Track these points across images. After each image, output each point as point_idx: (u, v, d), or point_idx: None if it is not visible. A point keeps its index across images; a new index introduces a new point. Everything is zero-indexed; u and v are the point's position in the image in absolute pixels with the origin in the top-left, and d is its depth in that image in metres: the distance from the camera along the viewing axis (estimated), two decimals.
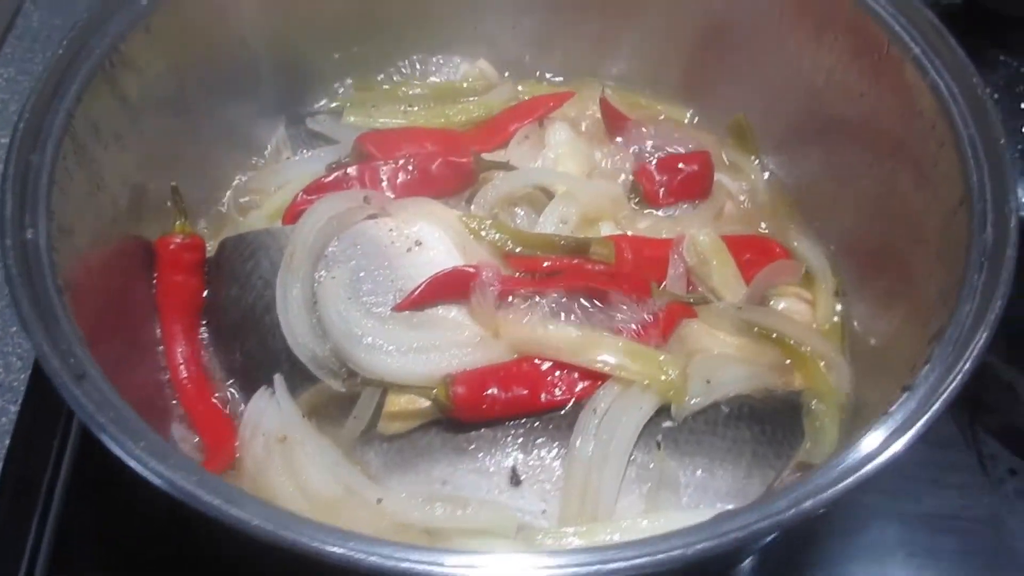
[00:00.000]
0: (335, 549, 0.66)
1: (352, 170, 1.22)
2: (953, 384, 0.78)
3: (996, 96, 1.61)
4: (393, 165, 1.22)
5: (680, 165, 1.31)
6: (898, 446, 0.73)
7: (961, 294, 0.86)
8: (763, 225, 1.34)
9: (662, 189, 1.30)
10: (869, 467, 0.72)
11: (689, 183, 1.31)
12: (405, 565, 0.66)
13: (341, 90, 1.45)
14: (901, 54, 1.06)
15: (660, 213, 1.30)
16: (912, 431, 0.74)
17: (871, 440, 0.75)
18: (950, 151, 0.98)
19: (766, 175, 1.39)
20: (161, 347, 1.14)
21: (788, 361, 1.15)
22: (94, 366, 0.80)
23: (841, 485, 0.71)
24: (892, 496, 1.27)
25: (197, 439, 1.09)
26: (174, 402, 1.12)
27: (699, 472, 1.01)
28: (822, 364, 1.15)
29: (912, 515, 1.26)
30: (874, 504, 1.26)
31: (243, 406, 1.11)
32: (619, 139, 1.37)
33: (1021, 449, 1.31)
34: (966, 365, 0.79)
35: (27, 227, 0.86)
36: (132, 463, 0.70)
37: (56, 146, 0.94)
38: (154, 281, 1.16)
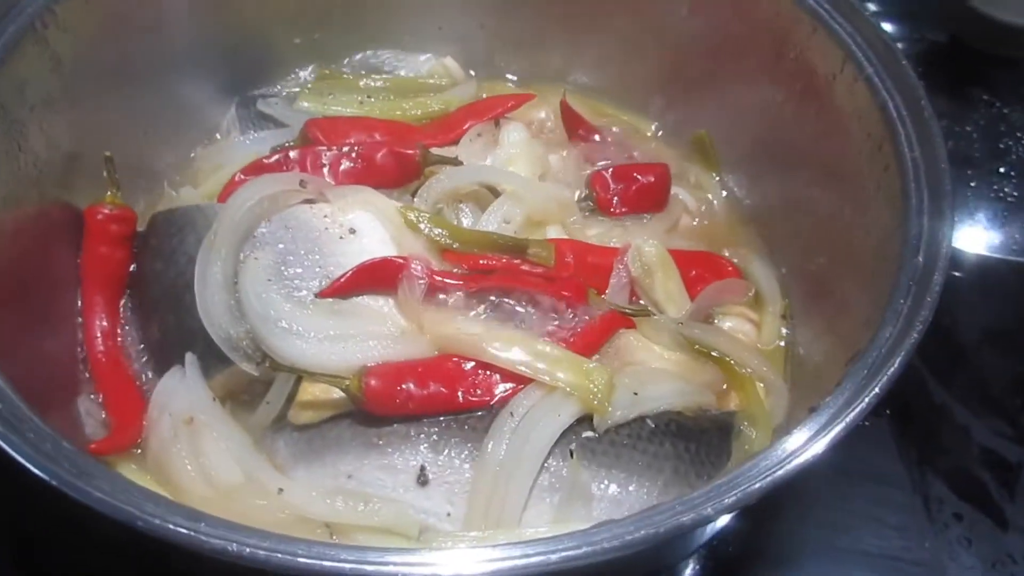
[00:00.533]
0: (180, 530, 0.62)
1: (294, 153, 1.19)
2: (858, 408, 0.74)
3: (975, 135, 1.59)
4: (336, 152, 1.19)
5: (636, 175, 1.28)
6: (786, 472, 0.69)
7: (885, 317, 0.82)
8: (717, 243, 1.30)
9: (616, 198, 1.27)
10: (752, 488, 0.68)
11: (644, 194, 1.28)
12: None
13: (300, 76, 1.42)
14: (855, 73, 1.03)
15: (612, 222, 1.26)
16: (804, 456, 0.70)
17: (766, 458, 0.70)
18: (893, 175, 0.95)
19: (724, 193, 1.36)
20: (80, 319, 1.10)
21: (725, 384, 1.11)
22: None
23: (725, 502, 0.66)
24: (832, 530, 1.22)
25: (104, 415, 1.06)
26: (87, 375, 1.08)
27: (613, 486, 0.96)
28: (761, 387, 1.11)
29: (850, 552, 1.21)
30: (812, 537, 1.22)
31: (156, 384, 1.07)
32: (577, 145, 1.34)
33: (968, 493, 1.26)
34: (875, 389, 0.75)
35: None
36: (16, 456, 0.66)
37: None
38: (79, 252, 1.13)
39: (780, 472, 0.70)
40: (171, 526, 0.62)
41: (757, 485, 0.69)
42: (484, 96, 1.42)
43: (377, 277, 1.06)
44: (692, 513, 0.66)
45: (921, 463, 1.29)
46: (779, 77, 1.18)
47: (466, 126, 1.30)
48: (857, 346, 0.85)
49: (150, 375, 1.09)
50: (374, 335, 1.01)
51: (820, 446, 0.72)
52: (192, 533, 0.62)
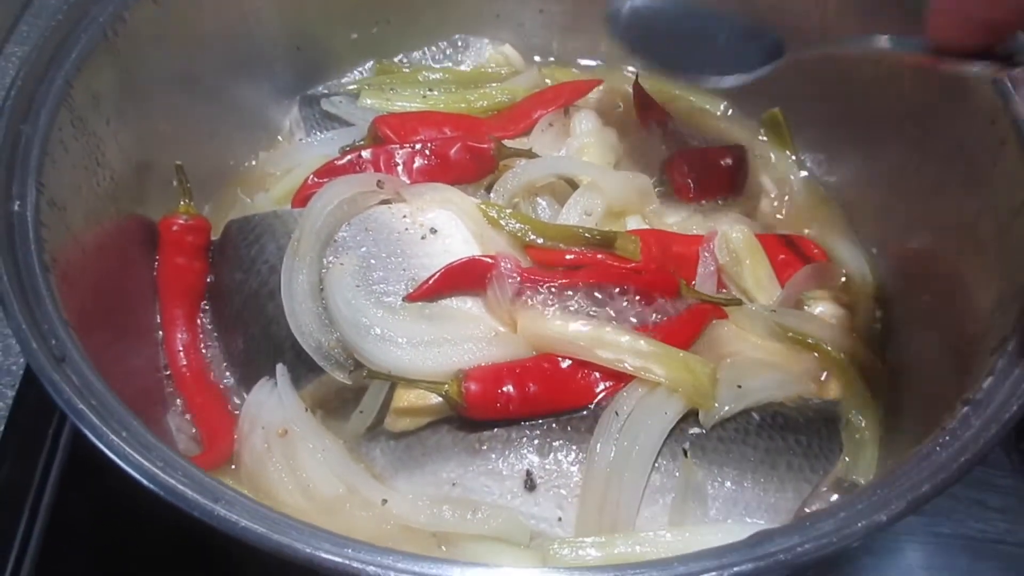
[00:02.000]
0: (331, 557, 0.60)
1: (366, 153, 1.16)
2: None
3: None
4: (410, 149, 1.16)
5: (713, 158, 1.24)
6: (964, 465, 0.65)
7: None
8: (798, 225, 1.26)
9: (693, 183, 1.23)
10: (928, 488, 0.64)
11: (722, 178, 1.24)
12: None
13: (359, 72, 1.40)
14: None
15: (691, 207, 1.22)
16: (978, 448, 0.66)
17: (932, 458, 0.67)
18: (1012, 148, 0.90)
19: (803, 173, 1.31)
20: (160, 332, 1.08)
21: (824, 371, 1.07)
22: (79, 349, 0.74)
23: (903, 506, 0.63)
24: (930, 516, 1.19)
25: (195, 430, 1.04)
26: (171, 390, 1.06)
27: (728, 483, 0.93)
28: (860, 374, 1.07)
29: (951, 537, 1.17)
30: (914, 524, 1.18)
31: (243, 397, 1.05)
32: (650, 129, 1.30)
33: None
34: None
35: (14, 199, 0.81)
36: (109, 453, 0.64)
37: (51, 117, 0.89)
38: (155, 263, 1.10)
39: (965, 465, 0.66)
40: (322, 554, 0.60)
41: (941, 480, 0.65)
42: (548, 83, 1.38)
43: (465, 278, 1.03)
44: (863, 522, 0.62)
45: (1020, 443, 1.25)
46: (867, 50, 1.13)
47: (535, 115, 1.27)
48: (987, 334, 0.82)
49: (236, 387, 1.07)
50: (468, 338, 0.98)
51: (992, 438, 0.68)
52: (343, 560, 0.60)
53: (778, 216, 1.27)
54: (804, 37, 1.09)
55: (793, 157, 1.33)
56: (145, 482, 0.63)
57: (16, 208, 0.80)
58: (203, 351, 1.09)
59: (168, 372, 1.07)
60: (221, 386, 1.08)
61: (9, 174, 0.82)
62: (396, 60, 1.42)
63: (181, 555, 1.07)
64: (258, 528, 0.62)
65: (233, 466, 1.00)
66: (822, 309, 1.15)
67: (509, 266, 1.01)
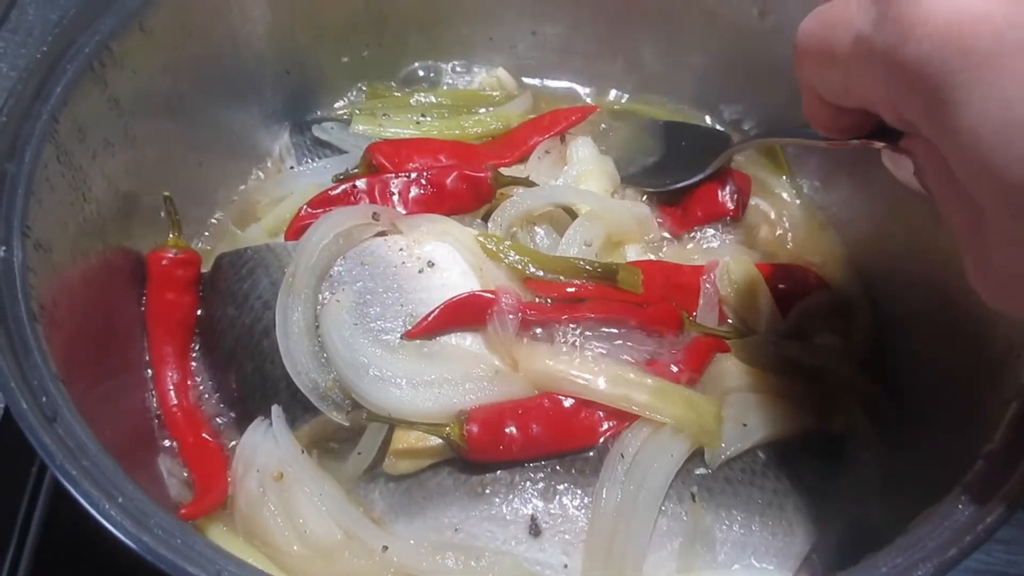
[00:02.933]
0: None
1: (361, 183, 1.13)
2: None
3: None
4: (405, 179, 1.13)
5: (713, 187, 1.23)
6: (991, 525, 0.64)
7: None
8: (798, 253, 1.25)
9: (692, 212, 1.22)
10: (956, 551, 0.63)
11: (722, 206, 1.22)
12: None
13: (350, 97, 1.36)
14: None
15: (690, 237, 1.21)
16: (1003, 510, 0.65)
17: (954, 517, 0.65)
18: None
19: (800, 201, 1.30)
20: (149, 371, 1.05)
21: (827, 404, 1.06)
22: (68, 404, 0.71)
23: (931, 570, 0.62)
24: None
25: (187, 474, 1.00)
26: (161, 431, 1.03)
27: (736, 527, 0.92)
28: (863, 407, 1.06)
29: (956, 569, 1.16)
30: None
31: (237, 437, 1.02)
32: None
33: None
34: None
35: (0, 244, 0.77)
36: (107, 523, 0.61)
37: (35, 154, 0.85)
38: (143, 298, 1.07)
39: (975, 534, 0.65)
40: None
41: (972, 538, 0.64)
42: (542, 107, 1.36)
43: (465, 314, 1.00)
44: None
45: None
46: None
47: (531, 142, 1.24)
48: (999, 376, 0.80)
49: (228, 427, 1.04)
50: (469, 377, 0.96)
51: (1011, 498, 0.66)
52: None
53: (777, 244, 1.26)
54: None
55: (790, 183, 1.32)
56: (143, 554, 0.60)
57: (2, 254, 0.76)
58: (194, 390, 1.06)
59: (158, 410, 1.04)
60: (213, 425, 1.04)
61: None
62: (387, 82, 1.39)
63: None
64: None
65: (227, 510, 0.97)
66: (822, 340, 1.14)
67: (510, 302, 0.99)
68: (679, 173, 1.25)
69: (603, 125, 1.35)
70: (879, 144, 0.69)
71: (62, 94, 0.90)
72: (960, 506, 0.68)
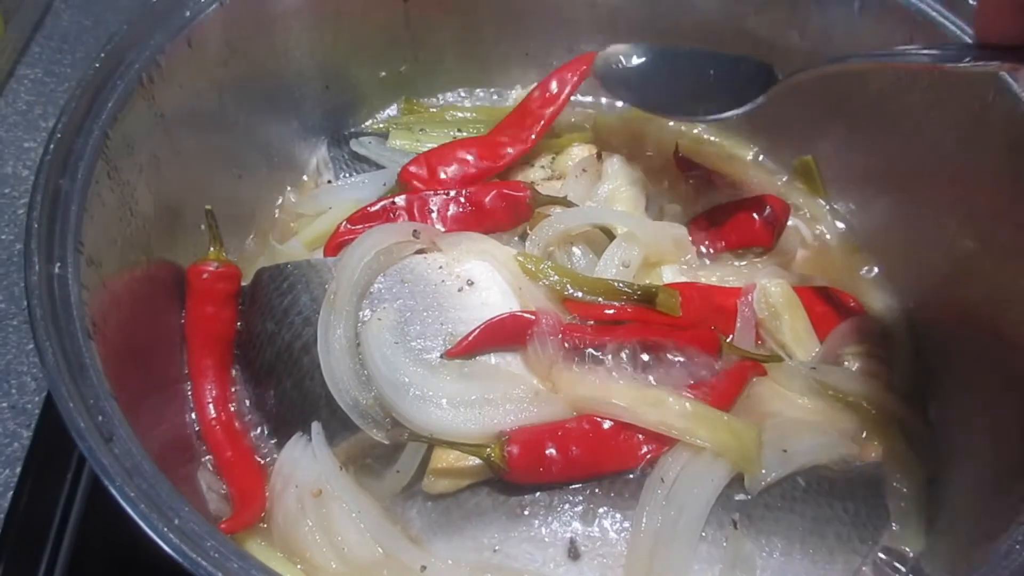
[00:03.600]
0: None
1: (400, 200, 1.13)
2: None
3: None
4: (444, 196, 1.14)
5: (751, 209, 1.22)
6: None
7: None
8: (835, 277, 1.24)
9: (729, 234, 1.22)
10: None
11: (759, 229, 1.21)
12: None
13: (388, 112, 1.37)
14: (1011, 103, 0.97)
15: (726, 259, 1.20)
16: None
17: (1012, 557, 0.65)
18: None
19: (838, 223, 1.30)
20: (189, 384, 1.05)
21: (865, 431, 1.06)
22: (122, 422, 0.71)
23: None
24: None
25: (224, 487, 1.01)
26: (200, 441, 1.03)
27: (777, 554, 0.92)
28: (902, 434, 1.05)
29: None
30: None
31: (273, 451, 1.03)
32: (687, 182, 1.28)
33: None
34: None
35: (55, 261, 0.78)
36: (166, 547, 0.61)
37: (88, 169, 0.86)
38: (183, 311, 1.08)
39: None
40: None
41: None
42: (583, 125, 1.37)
43: (505, 334, 1.00)
44: None
45: None
46: (911, 102, 1.12)
47: (547, 114, 1.26)
48: None
49: (266, 443, 1.05)
50: (509, 398, 0.96)
51: None
52: None
53: (814, 267, 1.26)
54: (794, 62, 1.08)
55: (827, 206, 1.32)
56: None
57: (57, 271, 0.77)
58: (232, 404, 1.06)
59: (196, 423, 1.05)
60: (251, 440, 1.05)
61: (50, 234, 0.79)
62: (425, 99, 1.39)
63: None
64: None
65: (265, 525, 0.98)
66: (860, 365, 1.14)
67: (551, 323, 0.99)
68: (718, 103, 1.15)
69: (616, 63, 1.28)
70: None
71: (113, 110, 0.91)
72: (1018, 546, 0.67)
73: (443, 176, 1.20)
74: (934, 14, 1.06)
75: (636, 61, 1.24)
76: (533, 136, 1.26)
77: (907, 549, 0.95)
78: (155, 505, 0.64)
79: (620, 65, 1.24)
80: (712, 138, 1.39)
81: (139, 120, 0.97)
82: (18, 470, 1.19)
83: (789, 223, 1.25)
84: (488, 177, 1.21)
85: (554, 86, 1.27)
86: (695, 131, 1.39)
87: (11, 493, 1.16)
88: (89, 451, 0.66)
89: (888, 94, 1.15)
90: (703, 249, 1.21)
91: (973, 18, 0.75)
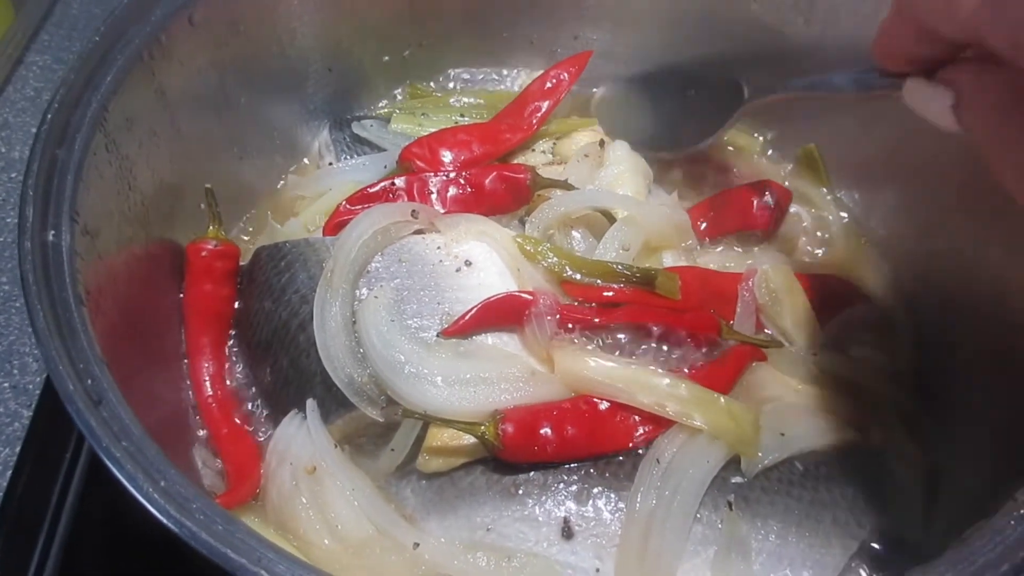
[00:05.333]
0: None
1: (400, 181, 1.13)
2: None
3: None
4: (444, 178, 1.13)
5: (752, 195, 1.21)
6: None
7: None
8: (837, 265, 1.23)
9: (731, 220, 1.21)
10: (1008, 567, 0.62)
11: (761, 215, 1.21)
12: None
13: (391, 96, 1.37)
14: None
15: (728, 244, 1.20)
16: None
17: (1006, 533, 0.64)
18: None
19: (841, 212, 1.29)
20: (185, 360, 1.05)
21: (865, 418, 1.05)
22: (113, 387, 0.71)
23: None
24: None
25: (220, 463, 1.01)
26: (197, 418, 1.04)
27: (772, 537, 0.91)
28: (902, 422, 1.04)
29: None
30: None
31: (268, 429, 1.03)
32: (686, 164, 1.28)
33: None
34: None
35: (49, 228, 0.78)
36: (150, 507, 0.61)
37: (86, 141, 0.86)
38: (181, 289, 1.08)
39: None
40: None
41: (1005, 568, 0.62)
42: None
43: (502, 314, 1.00)
44: None
45: None
46: None
47: (541, 111, 1.27)
48: None
49: (262, 420, 1.05)
50: (504, 377, 0.96)
51: None
52: None
53: (816, 255, 1.25)
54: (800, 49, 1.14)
55: (829, 195, 1.31)
56: (186, 539, 0.60)
57: (51, 238, 0.77)
58: (229, 381, 1.06)
59: (193, 400, 1.05)
60: (247, 417, 1.05)
61: (45, 202, 0.79)
62: (428, 84, 1.39)
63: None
64: None
65: (259, 502, 0.98)
66: (861, 353, 1.12)
67: (548, 303, 0.99)
68: (688, 133, 1.24)
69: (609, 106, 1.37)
70: (917, 85, 0.68)
71: (112, 84, 0.91)
72: (1013, 521, 0.66)
73: (443, 158, 1.19)
74: None
75: (625, 98, 1.36)
76: (534, 122, 1.26)
77: (905, 535, 0.94)
78: (141, 467, 0.64)
79: (612, 107, 1.35)
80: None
81: (139, 95, 0.97)
82: (18, 449, 1.19)
83: (792, 210, 1.24)
84: (488, 161, 1.21)
85: (551, 81, 1.29)
86: None
87: (10, 472, 1.16)
88: (77, 413, 0.66)
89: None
90: (704, 235, 1.21)
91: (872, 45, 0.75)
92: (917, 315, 1.16)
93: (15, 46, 1.67)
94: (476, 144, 1.22)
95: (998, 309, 1.00)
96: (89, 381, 0.69)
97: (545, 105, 1.28)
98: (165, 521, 0.61)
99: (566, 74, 1.30)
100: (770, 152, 1.36)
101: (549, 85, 1.29)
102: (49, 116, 0.84)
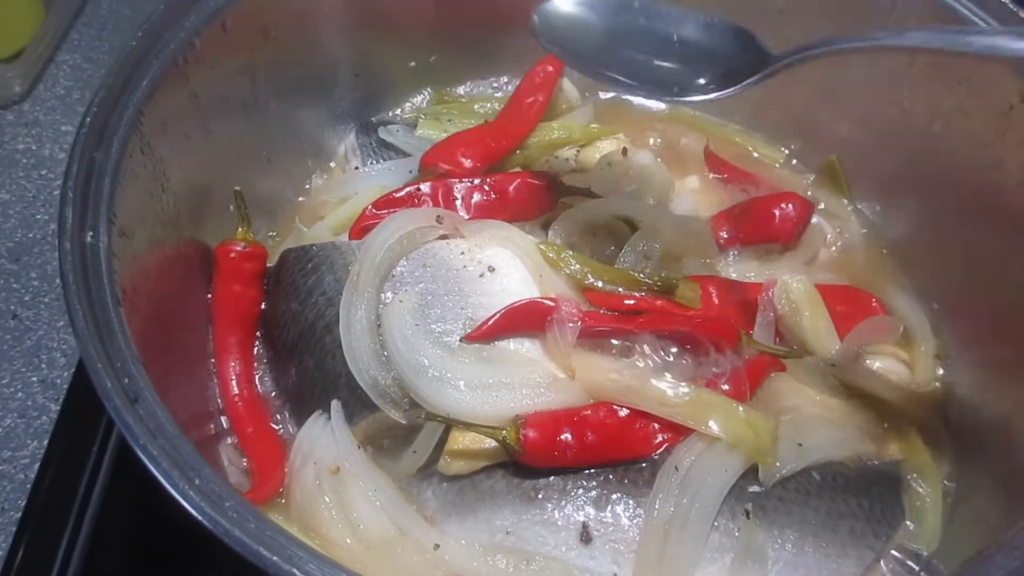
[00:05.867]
0: None
1: (425, 186, 1.15)
2: None
3: None
4: (469, 184, 1.15)
5: (774, 206, 1.22)
6: None
7: None
8: (857, 276, 1.24)
9: (752, 230, 1.22)
10: None
11: (782, 226, 1.22)
12: None
13: (416, 102, 1.39)
14: None
15: (748, 255, 1.20)
16: None
17: None
18: None
19: (862, 225, 1.29)
20: (213, 360, 1.07)
21: (883, 430, 1.05)
22: (148, 386, 0.73)
23: None
24: None
25: (245, 462, 1.03)
26: (223, 417, 1.05)
27: (789, 546, 0.91)
28: (921, 435, 1.05)
29: None
30: None
31: (294, 428, 1.05)
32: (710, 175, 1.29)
33: None
34: None
35: (87, 229, 0.80)
36: (186, 505, 0.63)
37: (123, 143, 0.88)
38: (210, 290, 1.10)
39: None
40: None
41: None
42: (604, 117, 1.38)
43: (525, 320, 1.01)
44: None
45: None
46: (939, 104, 1.11)
47: (534, 105, 1.29)
48: None
49: (286, 420, 1.06)
50: (526, 383, 0.97)
51: None
52: None
53: (836, 266, 1.25)
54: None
55: (850, 206, 1.31)
56: (219, 535, 0.62)
57: (89, 239, 0.79)
58: (255, 381, 1.08)
59: (219, 398, 1.07)
60: (272, 416, 1.07)
61: (83, 204, 0.81)
62: (453, 89, 1.41)
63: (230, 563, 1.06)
64: None
65: (283, 500, 0.99)
66: (881, 365, 1.13)
67: (570, 310, 1.00)
68: (693, 79, 0.95)
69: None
70: None
71: (148, 87, 0.93)
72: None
73: (462, 158, 1.21)
74: None
75: (580, 13, 1.01)
76: (533, 114, 1.29)
77: (921, 547, 0.95)
78: (177, 465, 0.66)
79: (561, 17, 1.02)
80: (741, 140, 1.39)
81: (173, 99, 0.99)
82: (46, 442, 1.21)
83: (813, 221, 1.25)
84: (505, 156, 1.23)
85: (539, 76, 1.33)
86: (724, 133, 1.39)
87: (38, 464, 1.19)
88: (115, 411, 0.67)
89: (915, 97, 1.15)
90: (724, 245, 1.22)
91: None
92: (937, 327, 1.16)
93: (46, 45, 1.70)
94: (490, 140, 1.25)
95: (1019, 320, 1.00)
96: (126, 380, 0.71)
97: (541, 97, 1.31)
98: (200, 518, 0.63)
99: (551, 67, 1.33)
100: (793, 163, 1.37)
101: (539, 80, 1.33)
102: (88, 119, 0.86)
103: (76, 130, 0.87)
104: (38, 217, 1.47)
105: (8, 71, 1.61)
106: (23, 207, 1.48)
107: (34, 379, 1.30)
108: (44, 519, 1.12)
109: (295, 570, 0.60)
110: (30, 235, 1.45)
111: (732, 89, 0.94)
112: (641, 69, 0.98)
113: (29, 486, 1.17)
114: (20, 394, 1.28)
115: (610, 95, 1.44)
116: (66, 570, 1.09)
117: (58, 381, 1.30)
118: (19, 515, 1.14)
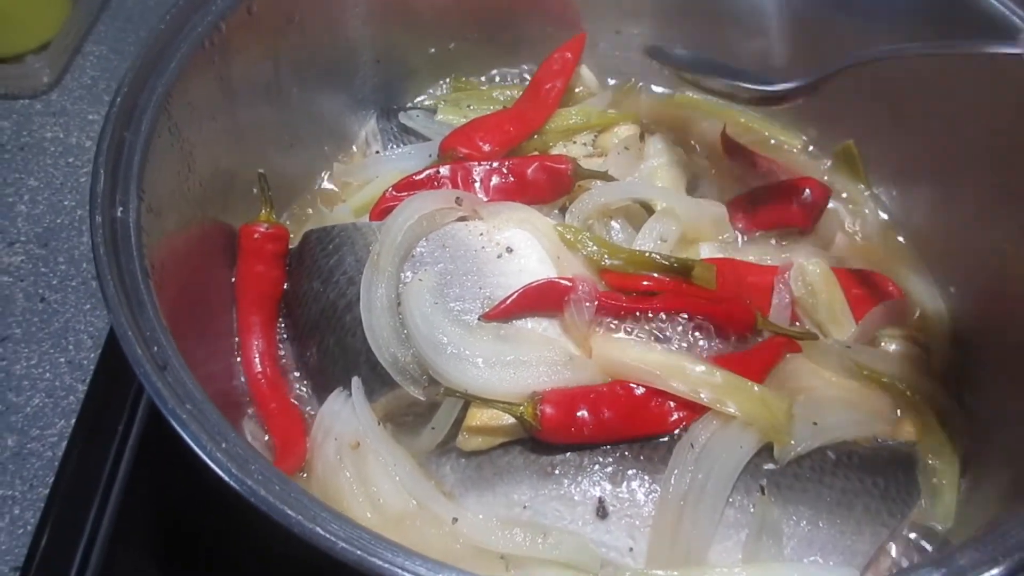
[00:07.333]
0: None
1: (444, 169, 1.16)
2: None
3: None
4: (487, 167, 1.16)
5: (792, 191, 1.23)
6: None
7: None
8: (874, 260, 1.24)
9: (769, 214, 1.23)
10: None
11: (799, 210, 1.22)
12: None
13: (436, 88, 1.41)
14: None
15: (765, 238, 1.21)
16: None
17: None
18: None
19: (879, 209, 1.30)
20: (236, 338, 1.10)
21: (899, 411, 1.06)
22: (177, 355, 0.75)
23: (1013, 564, 0.61)
24: None
25: (267, 437, 1.05)
26: (245, 394, 1.08)
27: (804, 523, 0.92)
28: (937, 417, 1.05)
29: None
30: None
31: (314, 406, 1.07)
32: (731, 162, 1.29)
33: None
34: None
35: (117, 205, 0.82)
36: (213, 466, 0.65)
37: (151, 123, 0.90)
38: (234, 270, 1.12)
39: None
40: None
41: None
42: (622, 104, 1.39)
43: (542, 299, 1.03)
44: None
45: None
46: (952, 91, 1.12)
47: (553, 91, 1.31)
48: None
49: (308, 396, 1.09)
50: (543, 360, 0.98)
51: None
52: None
53: (852, 251, 1.26)
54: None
55: (867, 192, 1.32)
56: (246, 496, 0.64)
57: (119, 214, 0.82)
58: (278, 359, 1.10)
59: (243, 378, 1.09)
60: (294, 392, 1.09)
61: (114, 180, 0.84)
62: (474, 77, 1.42)
63: (245, 547, 1.08)
64: (354, 551, 0.62)
65: (304, 474, 1.01)
66: (897, 347, 1.14)
67: (587, 290, 1.01)
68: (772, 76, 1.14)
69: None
70: None
71: (176, 70, 0.95)
72: None
73: (481, 142, 1.22)
74: None
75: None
76: (551, 100, 1.31)
77: (937, 526, 0.96)
78: (204, 429, 0.68)
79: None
80: (758, 126, 1.39)
81: (200, 82, 1.01)
82: (73, 421, 1.24)
83: (829, 206, 1.25)
84: (523, 141, 1.25)
85: (557, 64, 1.35)
86: (742, 119, 1.40)
87: (65, 443, 1.22)
88: (145, 376, 0.70)
89: (933, 83, 1.15)
90: (741, 229, 1.23)
91: None
92: (953, 311, 1.17)
93: (73, 36, 1.73)
94: (509, 126, 1.26)
95: None
96: (155, 348, 0.73)
97: (559, 84, 1.32)
98: (228, 479, 0.64)
99: (569, 54, 1.35)
100: (811, 148, 1.37)
101: (557, 67, 1.34)
102: (118, 99, 0.88)
103: (104, 113, 0.89)
104: (65, 203, 1.51)
105: (36, 62, 1.64)
106: (51, 193, 1.52)
107: (62, 360, 1.33)
108: (71, 495, 1.15)
109: (318, 528, 0.62)
110: (58, 220, 1.48)
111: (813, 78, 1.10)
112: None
113: (57, 464, 1.19)
114: (48, 375, 1.31)
115: (627, 81, 1.45)
116: (92, 545, 1.11)
117: (85, 362, 1.33)
118: (47, 492, 1.17)
